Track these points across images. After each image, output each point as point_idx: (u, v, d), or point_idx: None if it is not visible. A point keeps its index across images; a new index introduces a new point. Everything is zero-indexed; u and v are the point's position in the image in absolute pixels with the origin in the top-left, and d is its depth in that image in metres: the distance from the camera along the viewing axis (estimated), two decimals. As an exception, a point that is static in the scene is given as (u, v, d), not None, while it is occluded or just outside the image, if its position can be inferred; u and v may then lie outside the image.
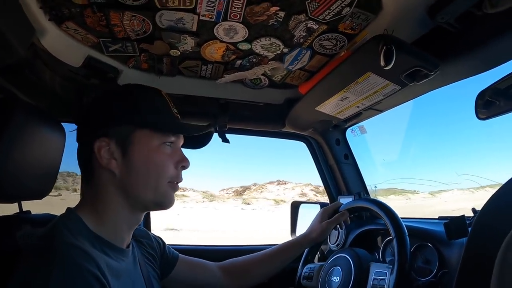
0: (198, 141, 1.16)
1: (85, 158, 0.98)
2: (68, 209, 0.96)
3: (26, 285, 0.73)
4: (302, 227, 1.98)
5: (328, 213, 1.55)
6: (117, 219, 0.97)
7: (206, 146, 1.20)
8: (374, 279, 1.19)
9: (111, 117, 0.97)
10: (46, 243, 0.82)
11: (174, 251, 1.33)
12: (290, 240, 1.55)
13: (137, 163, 0.95)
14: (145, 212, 1.07)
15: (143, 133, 0.96)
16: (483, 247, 0.85)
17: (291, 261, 1.51)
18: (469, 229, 1.00)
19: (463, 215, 1.18)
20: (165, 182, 0.99)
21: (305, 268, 1.56)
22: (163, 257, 1.26)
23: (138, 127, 0.96)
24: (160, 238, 1.31)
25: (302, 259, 1.60)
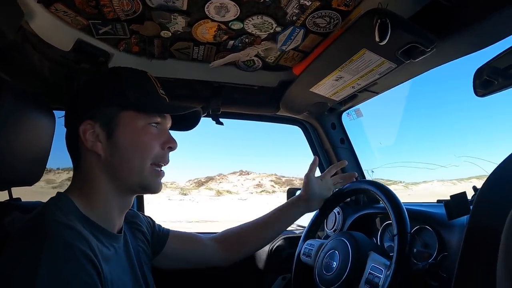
0: (186, 122, 1.14)
1: (72, 142, 0.98)
2: (59, 192, 0.95)
3: (16, 265, 0.72)
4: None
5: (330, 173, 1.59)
6: (107, 203, 0.96)
7: (195, 127, 1.18)
8: (369, 273, 1.17)
9: (96, 100, 0.96)
10: (35, 223, 0.81)
11: (165, 227, 1.33)
12: (285, 203, 1.56)
13: (122, 144, 0.95)
14: (135, 195, 1.05)
15: (128, 115, 0.96)
16: (487, 221, 0.84)
17: (288, 226, 1.52)
18: (471, 207, 0.97)
19: (464, 192, 1.15)
20: (148, 163, 0.97)
21: (305, 244, 1.55)
22: (154, 234, 1.26)
23: (123, 108, 0.96)
24: (150, 217, 1.31)
25: (303, 235, 1.60)
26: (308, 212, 1.56)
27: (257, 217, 1.50)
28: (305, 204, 1.51)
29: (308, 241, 1.55)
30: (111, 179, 0.96)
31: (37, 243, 0.74)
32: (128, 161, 0.95)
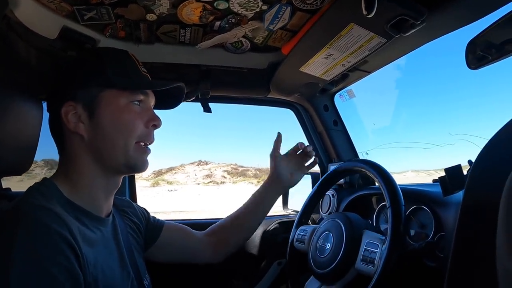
0: (170, 100, 1.14)
1: (55, 125, 0.98)
2: (44, 178, 0.94)
3: None
4: (295, 200, 1.98)
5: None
6: (92, 186, 0.96)
7: (179, 105, 1.19)
8: (365, 249, 1.15)
9: (77, 81, 0.97)
10: (15, 206, 0.81)
11: (159, 219, 1.33)
12: (258, 188, 1.53)
13: (104, 124, 0.94)
14: (122, 177, 1.05)
15: (109, 93, 0.96)
16: (484, 193, 0.82)
17: (269, 209, 1.50)
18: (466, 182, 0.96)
19: (459, 164, 1.13)
20: (132, 142, 0.97)
21: (298, 230, 1.54)
22: (148, 225, 1.26)
23: (104, 87, 0.96)
24: (145, 209, 1.31)
25: (295, 222, 1.58)
26: (284, 191, 1.57)
27: (236, 209, 1.49)
28: (277, 184, 1.49)
29: (301, 227, 1.54)
30: (95, 160, 0.95)
31: (14, 226, 0.73)
32: (111, 140, 0.95)
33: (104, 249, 0.94)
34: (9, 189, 1.21)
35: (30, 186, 0.90)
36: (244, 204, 1.49)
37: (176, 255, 1.35)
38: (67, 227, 0.78)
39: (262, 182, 1.53)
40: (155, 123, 1.02)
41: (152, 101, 1.05)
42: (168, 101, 1.15)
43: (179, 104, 1.18)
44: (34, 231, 0.73)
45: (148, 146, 1.03)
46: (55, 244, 0.74)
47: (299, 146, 1.51)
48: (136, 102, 0.99)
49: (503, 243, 0.51)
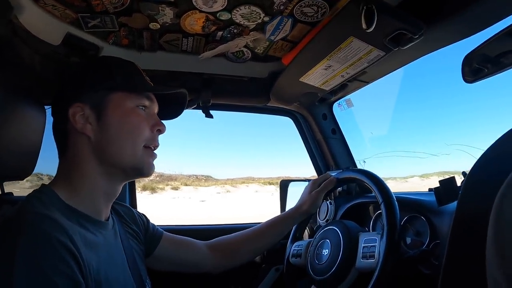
0: (172, 108, 1.16)
1: (61, 127, 0.98)
2: (43, 184, 0.94)
3: None
4: (291, 205, 1.99)
5: (319, 183, 1.52)
6: (93, 189, 0.96)
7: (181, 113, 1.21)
8: (364, 247, 1.18)
9: (85, 84, 0.98)
10: (15, 214, 0.81)
11: (159, 228, 1.32)
12: (280, 215, 1.53)
13: (112, 125, 0.96)
14: (123, 183, 1.05)
15: (117, 96, 0.98)
16: (475, 204, 0.84)
17: (281, 237, 1.49)
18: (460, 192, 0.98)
19: (453, 177, 1.17)
20: (141, 145, 0.99)
21: (293, 245, 1.55)
22: (148, 233, 1.25)
23: (112, 90, 0.97)
24: (144, 215, 1.30)
25: (290, 236, 1.60)
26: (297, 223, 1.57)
27: (253, 227, 1.48)
28: (301, 216, 1.50)
29: (296, 243, 1.55)
30: (100, 162, 0.96)
31: (14, 234, 0.74)
32: (119, 142, 0.97)
33: (106, 253, 0.94)
34: (11, 193, 1.22)
35: (29, 194, 0.89)
36: (262, 225, 1.48)
37: (173, 266, 1.34)
38: (68, 235, 0.78)
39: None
40: (160, 128, 1.04)
41: (156, 109, 1.08)
42: (170, 110, 1.16)
43: (181, 112, 1.20)
44: (35, 240, 0.73)
45: (155, 152, 1.05)
46: (56, 252, 0.74)
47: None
48: (142, 107, 1.01)
49: (492, 254, 0.52)
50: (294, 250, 1.53)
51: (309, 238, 1.71)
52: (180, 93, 1.11)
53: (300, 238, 1.60)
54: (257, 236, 1.46)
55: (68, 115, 0.94)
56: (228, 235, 1.47)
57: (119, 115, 0.97)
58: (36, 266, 0.71)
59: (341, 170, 1.62)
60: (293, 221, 1.51)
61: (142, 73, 1.07)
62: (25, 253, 0.71)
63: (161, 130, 1.04)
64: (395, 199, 1.19)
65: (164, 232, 1.33)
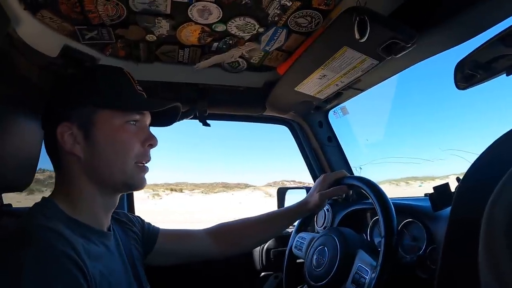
0: (166, 118, 1.14)
1: (51, 145, 0.97)
2: (43, 197, 0.94)
3: (0, 271, 0.72)
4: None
5: (329, 182, 1.50)
6: (92, 204, 0.96)
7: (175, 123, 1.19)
8: (356, 273, 1.19)
9: (71, 101, 0.96)
10: (19, 228, 0.82)
11: (155, 226, 1.32)
12: (284, 208, 1.56)
13: (100, 144, 0.94)
14: (120, 194, 1.05)
15: (104, 114, 0.95)
16: (468, 210, 0.84)
17: (283, 230, 1.52)
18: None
19: (447, 183, 1.17)
20: (131, 162, 0.97)
21: (297, 237, 1.58)
22: (144, 233, 1.25)
23: (99, 107, 0.95)
24: (139, 217, 1.31)
25: (295, 227, 1.63)
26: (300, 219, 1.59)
27: (256, 215, 1.48)
28: (305, 213, 1.51)
29: (300, 234, 1.58)
30: (93, 180, 0.95)
31: (21, 248, 0.74)
32: (108, 161, 0.95)
33: (109, 263, 0.94)
34: (10, 205, 1.22)
35: (31, 207, 0.90)
36: (266, 215, 1.49)
37: (174, 258, 1.34)
38: (72, 246, 0.78)
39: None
40: (151, 142, 1.01)
41: (148, 120, 1.05)
42: (164, 118, 1.14)
43: (174, 122, 1.18)
44: (40, 253, 0.73)
45: (146, 165, 1.03)
46: (61, 264, 0.74)
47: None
48: (132, 122, 0.98)
49: (484, 259, 0.53)
50: (297, 241, 1.57)
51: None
52: (173, 107, 1.08)
53: (305, 230, 1.63)
54: (260, 225, 1.46)
55: (57, 135, 0.93)
56: (231, 221, 1.47)
57: (107, 133, 0.95)
58: (43, 280, 0.71)
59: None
60: (297, 217, 1.53)
61: (132, 81, 1.04)
62: (32, 267, 0.71)
63: (152, 145, 1.02)
64: (395, 233, 1.16)
65: (161, 228, 1.33)
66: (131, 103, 1.00)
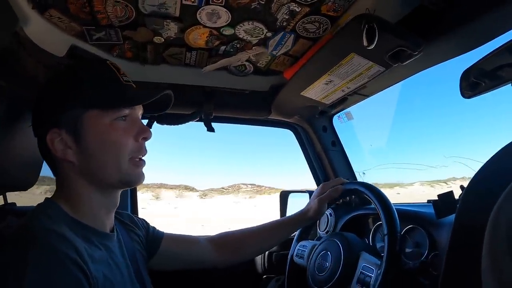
0: (159, 106, 1.10)
1: (44, 152, 0.96)
2: (47, 198, 0.94)
3: (4, 272, 0.72)
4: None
5: (328, 189, 1.50)
6: (92, 205, 0.95)
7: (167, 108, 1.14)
8: (361, 272, 1.20)
9: (57, 105, 0.93)
10: (23, 230, 0.81)
11: (159, 230, 1.32)
12: (286, 217, 1.55)
13: (92, 147, 0.92)
14: (120, 192, 1.04)
15: (92, 114, 0.92)
16: (472, 217, 0.85)
17: (284, 239, 1.50)
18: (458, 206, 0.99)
19: (451, 191, 1.18)
20: (126, 159, 0.95)
21: (298, 245, 1.58)
22: (148, 236, 1.25)
23: (86, 108, 0.92)
24: (144, 220, 1.30)
25: (296, 236, 1.64)
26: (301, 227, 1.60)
27: (258, 225, 1.48)
28: (306, 222, 1.51)
29: (301, 243, 1.58)
30: (90, 182, 0.94)
31: (24, 250, 0.74)
32: (102, 162, 0.93)
33: (112, 265, 0.94)
34: (14, 204, 1.22)
35: (35, 209, 0.89)
36: (269, 224, 1.48)
37: (177, 263, 1.34)
38: (75, 249, 0.78)
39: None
40: (145, 135, 0.98)
41: (139, 111, 1.02)
42: (157, 106, 1.08)
43: (167, 108, 1.13)
44: (44, 255, 0.74)
45: (143, 158, 1.01)
46: (64, 266, 0.74)
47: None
48: (121, 118, 0.95)
49: (487, 265, 0.53)
50: (298, 249, 1.57)
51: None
52: (164, 95, 1.04)
53: (306, 239, 1.63)
54: (262, 235, 1.46)
55: (47, 143, 0.91)
56: (233, 230, 1.47)
57: (97, 134, 0.92)
58: (46, 281, 0.71)
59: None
60: (298, 226, 1.53)
61: (117, 73, 0.99)
62: (36, 269, 0.71)
63: (146, 138, 0.99)
64: (399, 231, 1.18)
65: (165, 232, 1.33)
66: (118, 99, 0.96)
